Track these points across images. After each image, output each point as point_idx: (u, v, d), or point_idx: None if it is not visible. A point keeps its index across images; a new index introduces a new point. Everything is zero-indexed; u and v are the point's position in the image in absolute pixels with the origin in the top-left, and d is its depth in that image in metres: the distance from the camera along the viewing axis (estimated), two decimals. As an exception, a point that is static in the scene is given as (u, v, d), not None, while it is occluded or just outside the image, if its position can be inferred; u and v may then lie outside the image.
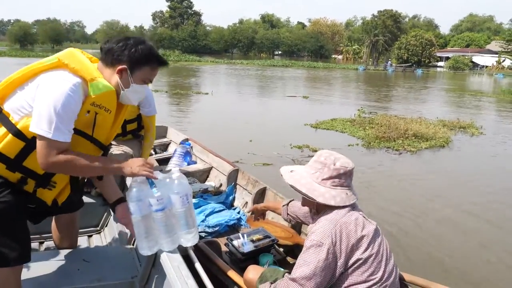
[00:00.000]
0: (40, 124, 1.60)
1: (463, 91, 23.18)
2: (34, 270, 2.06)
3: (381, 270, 1.67)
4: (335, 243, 1.62)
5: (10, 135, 1.68)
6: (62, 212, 2.19)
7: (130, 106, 2.05)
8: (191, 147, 4.39)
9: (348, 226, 1.66)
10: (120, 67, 1.77)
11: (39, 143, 1.64)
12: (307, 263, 1.62)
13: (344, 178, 1.75)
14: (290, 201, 2.39)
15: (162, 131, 5.21)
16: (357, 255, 1.64)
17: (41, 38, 78.84)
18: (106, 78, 1.78)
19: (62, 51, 1.79)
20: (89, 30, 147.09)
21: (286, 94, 17.08)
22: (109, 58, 1.79)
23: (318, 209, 1.80)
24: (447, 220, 4.59)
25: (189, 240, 1.96)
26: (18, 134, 1.68)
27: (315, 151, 7.07)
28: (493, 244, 4.08)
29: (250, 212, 2.61)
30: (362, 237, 1.66)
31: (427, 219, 4.59)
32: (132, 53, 1.77)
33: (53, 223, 2.37)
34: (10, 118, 1.69)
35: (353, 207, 1.76)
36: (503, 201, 5.31)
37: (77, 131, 1.73)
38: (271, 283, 1.78)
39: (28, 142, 1.69)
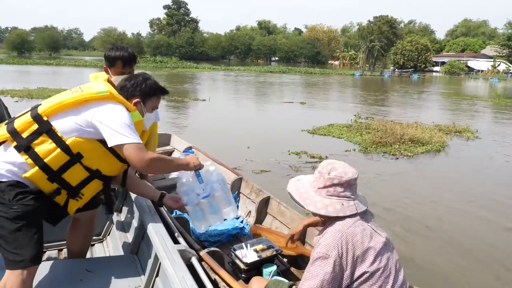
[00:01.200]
0: (122, 136, 1.93)
1: (459, 95, 23.31)
2: (36, 280, 2.03)
3: (389, 285, 1.63)
4: (341, 255, 1.59)
5: (58, 149, 1.92)
6: (84, 209, 2.28)
7: None
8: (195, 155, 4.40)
9: (354, 237, 1.62)
10: (135, 100, 2.17)
11: (130, 150, 1.95)
12: (314, 276, 1.59)
13: (341, 188, 1.71)
14: None
15: (166, 139, 5.19)
16: (364, 267, 1.60)
17: (38, 46, 78.78)
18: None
19: (101, 82, 2.28)
20: (87, 37, 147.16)
21: (283, 100, 17.15)
22: (124, 93, 2.16)
23: (326, 220, 1.77)
24: (433, 219, 4.65)
25: (230, 212, 2.63)
26: (66, 149, 1.93)
27: (313, 157, 7.15)
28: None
29: (288, 239, 2.57)
30: (368, 249, 1.62)
31: (416, 220, 4.64)
32: (143, 88, 2.21)
33: (70, 226, 2.47)
34: (59, 135, 1.92)
35: (363, 217, 1.72)
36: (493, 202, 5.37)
37: (113, 151, 2.03)
38: None
39: (73, 157, 1.96)
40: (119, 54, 2.75)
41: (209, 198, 2.53)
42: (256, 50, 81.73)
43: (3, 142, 1.96)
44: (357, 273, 1.60)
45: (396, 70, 53.75)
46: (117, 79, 2.86)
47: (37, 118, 1.94)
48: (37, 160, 1.89)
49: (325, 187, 1.72)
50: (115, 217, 3.10)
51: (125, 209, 3.08)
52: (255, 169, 6.27)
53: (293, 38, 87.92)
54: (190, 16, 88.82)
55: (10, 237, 1.83)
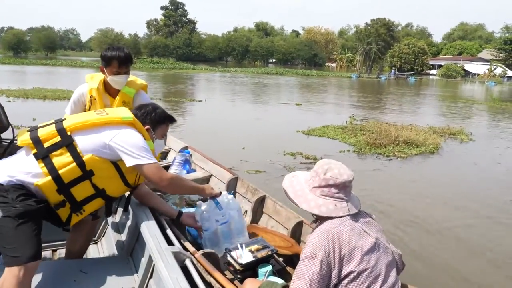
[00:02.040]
0: (142, 157, 2.09)
1: (455, 98, 23.41)
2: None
3: (377, 285, 1.62)
4: (328, 254, 1.59)
5: (74, 164, 2.02)
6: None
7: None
8: (191, 155, 4.34)
9: (341, 236, 1.62)
10: (145, 127, 2.29)
11: (150, 171, 2.14)
12: (302, 276, 1.60)
13: (335, 189, 1.71)
14: None
15: None
16: (350, 267, 1.60)
17: (35, 46, 78.55)
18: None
19: (125, 109, 2.34)
20: (83, 38, 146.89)
21: (279, 102, 17.19)
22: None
23: (318, 219, 1.77)
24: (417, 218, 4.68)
25: (241, 241, 2.63)
26: (81, 164, 2.03)
27: (308, 158, 7.18)
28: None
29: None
30: (355, 248, 1.62)
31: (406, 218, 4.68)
32: (153, 117, 2.36)
33: (73, 227, 2.44)
34: (78, 150, 2.04)
35: (354, 217, 1.71)
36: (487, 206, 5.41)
37: (121, 175, 2.18)
38: None
39: (85, 173, 2.05)
40: (115, 54, 2.80)
41: (226, 225, 2.65)
42: (253, 51, 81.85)
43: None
44: (344, 272, 1.61)
45: (398, 72, 54.02)
46: (112, 79, 2.88)
47: (61, 131, 2.06)
48: (52, 170, 1.99)
49: (320, 186, 1.72)
50: (110, 218, 3.09)
51: (120, 211, 3.07)
52: (249, 170, 6.28)
53: (291, 40, 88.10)
54: (188, 17, 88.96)
55: (9, 234, 1.86)
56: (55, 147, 2.02)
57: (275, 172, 6.30)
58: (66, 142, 2.03)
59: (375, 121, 11.83)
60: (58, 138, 2.03)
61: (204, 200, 2.69)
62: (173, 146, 4.97)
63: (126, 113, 2.22)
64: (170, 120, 2.47)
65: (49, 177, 1.98)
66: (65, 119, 2.15)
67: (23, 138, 2.05)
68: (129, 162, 2.08)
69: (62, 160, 2.01)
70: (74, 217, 2.19)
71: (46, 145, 2.01)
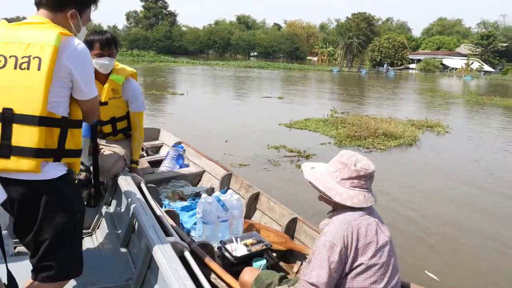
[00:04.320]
0: (92, 89, 1.73)
1: (433, 92, 23.87)
2: (26, 274, 1.85)
3: (384, 282, 1.65)
4: (346, 244, 1.61)
5: (75, 130, 1.73)
6: None
7: (119, 102, 2.31)
8: (184, 150, 4.35)
9: (359, 229, 1.65)
10: (71, 12, 1.70)
11: (91, 103, 1.76)
12: (322, 265, 1.61)
13: (364, 180, 1.74)
14: None
15: (155, 134, 5.13)
16: (362, 259, 1.63)
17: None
18: (61, 25, 1.68)
19: (13, 27, 1.67)
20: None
21: (262, 95, 17.25)
22: (55, 1, 1.68)
23: (335, 208, 1.79)
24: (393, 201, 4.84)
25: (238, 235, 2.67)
26: (75, 124, 1.73)
27: (291, 151, 7.26)
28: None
29: None
30: (370, 243, 1.65)
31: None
32: None
33: None
34: (74, 119, 1.71)
35: (370, 212, 1.75)
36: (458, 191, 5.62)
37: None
38: (289, 286, 1.77)
39: (78, 123, 1.75)
40: (97, 37, 2.88)
41: (226, 223, 2.74)
42: (235, 45, 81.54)
43: None
44: (355, 264, 1.63)
45: (389, 67, 54.49)
46: (97, 62, 2.88)
47: (46, 121, 1.61)
48: (75, 152, 1.75)
49: (350, 178, 1.73)
50: (104, 210, 3.06)
51: (114, 202, 3.05)
52: (234, 163, 6.30)
53: (272, 33, 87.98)
54: (168, 9, 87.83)
55: (70, 239, 1.73)
56: (62, 138, 1.67)
57: (260, 165, 6.36)
58: (65, 125, 1.68)
59: (355, 114, 12.02)
60: (57, 130, 1.65)
61: (209, 194, 2.73)
62: (166, 141, 4.95)
63: (46, 36, 1.58)
64: None
65: (75, 158, 1.76)
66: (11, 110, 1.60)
67: None
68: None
69: (73, 138, 1.72)
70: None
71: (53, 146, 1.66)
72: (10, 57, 1.58)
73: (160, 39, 76.78)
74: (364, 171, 1.72)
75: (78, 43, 1.64)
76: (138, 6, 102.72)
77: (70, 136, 1.70)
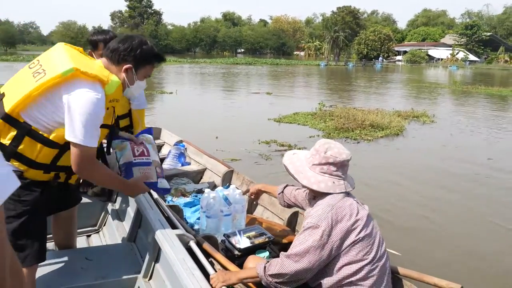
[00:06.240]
0: (75, 133, 1.72)
1: (419, 83, 24.22)
2: (37, 271, 2.01)
3: (374, 251, 1.76)
4: (330, 226, 1.70)
5: (45, 148, 1.80)
6: (62, 209, 2.28)
7: (122, 100, 2.38)
8: (185, 148, 4.40)
9: (343, 210, 1.74)
10: (126, 66, 1.94)
11: (74, 150, 1.77)
12: (302, 242, 1.72)
13: (334, 167, 1.81)
14: (285, 187, 2.45)
15: (156, 133, 5.12)
16: (352, 237, 1.72)
17: (-8, 41, 75.42)
18: (113, 74, 1.92)
19: (62, 50, 1.88)
20: (44, 31, 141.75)
21: (250, 91, 17.36)
22: (115, 57, 1.93)
23: (315, 194, 1.88)
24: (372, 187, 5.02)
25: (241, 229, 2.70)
26: (52, 144, 1.80)
27: (282, 145, 7.39)
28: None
29: (249, 194, 2.72)
30: (356, 221, 1.74)
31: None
32: (138, 54, 1.95)
33: (52, 222, 2.41)
34: (41, 133, 1.77)
35: (349, 194, 1.84)
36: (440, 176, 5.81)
37: (100, 126, 1.89)
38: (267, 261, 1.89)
39: (62, 147, 1.83)
40: (101, 37, 2.94)
41: (229, 217, 2.77)
42: (221, 42, 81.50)
43: None
44: (347, 242, 1.73)
45: (384, 59, 54.77)
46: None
47: (10, 120, 1.76)
48: (30, 162, 1.81)
49: (319, 164, 1.83)
50: (110, 206, 3.13)
51: (119, 199, 3.11)
52: (225, 158, 6.36)
53: (259, 29, 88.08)
54: (153, 8, 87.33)
55: (16, 233, 1.81)
56: (17, 142, 1.77)
57: (251, 159, 6.48)
58: (24, 132, 1.76)
59: (343, 107, 12.20)
60: (14, 131, 1.76)
61: (212, 189, 2.80)
62: (167, 140, 5.00)
63: (65, 64, 1.76)
64: (158, 59, 2.07)
65: (31, 169, 1.84)
66: (2, 96, 1.83)
67: None
68: (66, 135, 1.77)
69: (32, 150, 1.79)
70: (74, 177, 2.06)
71: (6, 142, 1.77)
72: (40, 64, 1.83)
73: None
74: (333, 159, 1.80)
75: (87, 89, 1.76)
76: (122, 6, 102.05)
77: (28, 143, 1.78)
